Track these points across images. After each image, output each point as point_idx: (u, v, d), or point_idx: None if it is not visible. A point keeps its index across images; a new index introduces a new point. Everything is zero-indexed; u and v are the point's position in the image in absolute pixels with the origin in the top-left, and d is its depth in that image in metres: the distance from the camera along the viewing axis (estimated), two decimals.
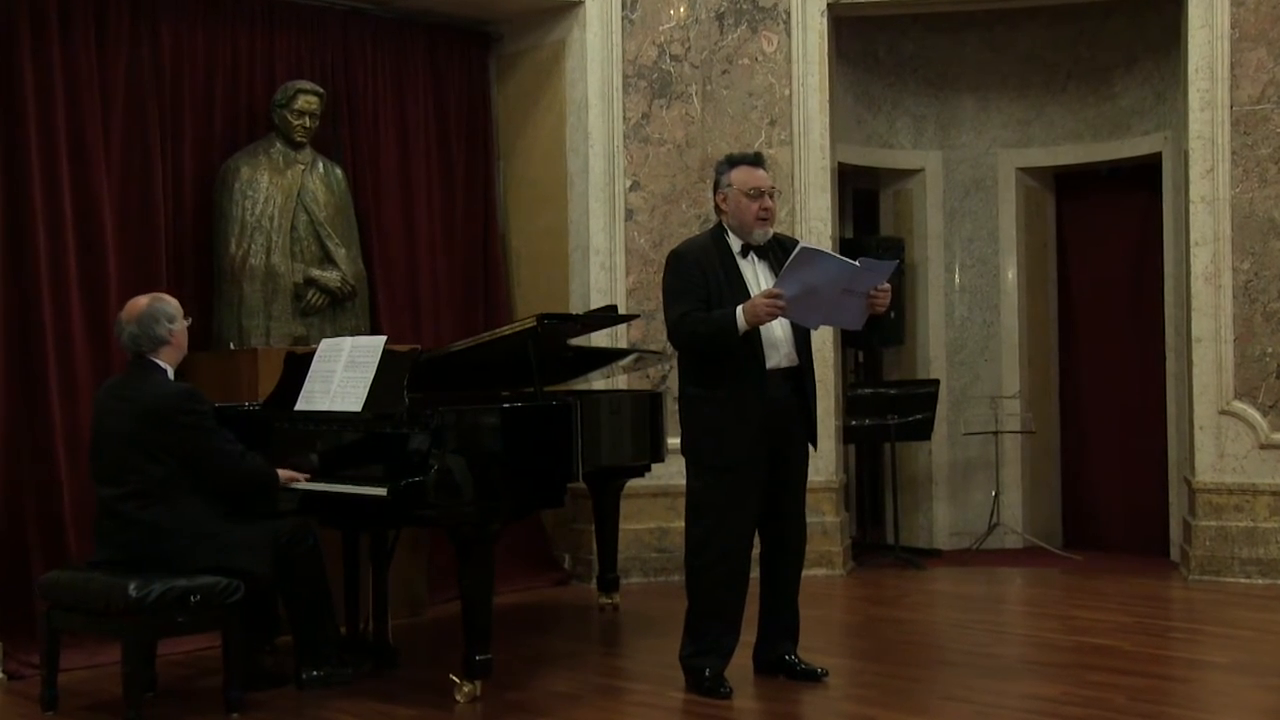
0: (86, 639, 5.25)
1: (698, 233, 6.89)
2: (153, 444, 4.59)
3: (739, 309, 4.60)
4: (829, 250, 4.61)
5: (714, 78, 7.18)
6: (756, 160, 4.88)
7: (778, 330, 4.75)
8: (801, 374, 4.87)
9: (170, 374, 4.78)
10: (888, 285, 4.68)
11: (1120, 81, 7.84)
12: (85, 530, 5.49)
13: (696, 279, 4.73)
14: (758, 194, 4.77)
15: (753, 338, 4.68)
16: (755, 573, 4.97)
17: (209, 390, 5.46)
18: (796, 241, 4.99)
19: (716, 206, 4.87)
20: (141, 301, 4.77)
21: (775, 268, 4.77)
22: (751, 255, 4.82)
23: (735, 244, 4.83)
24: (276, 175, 6.37)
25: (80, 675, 5.23)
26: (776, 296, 4.53)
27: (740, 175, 4.80)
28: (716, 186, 4.86)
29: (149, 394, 4.65)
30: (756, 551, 4.95)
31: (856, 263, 4.58)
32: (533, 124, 7.56)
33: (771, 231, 4.87)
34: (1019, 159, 8.13)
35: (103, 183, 5.95)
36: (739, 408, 4.71)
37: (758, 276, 4.80)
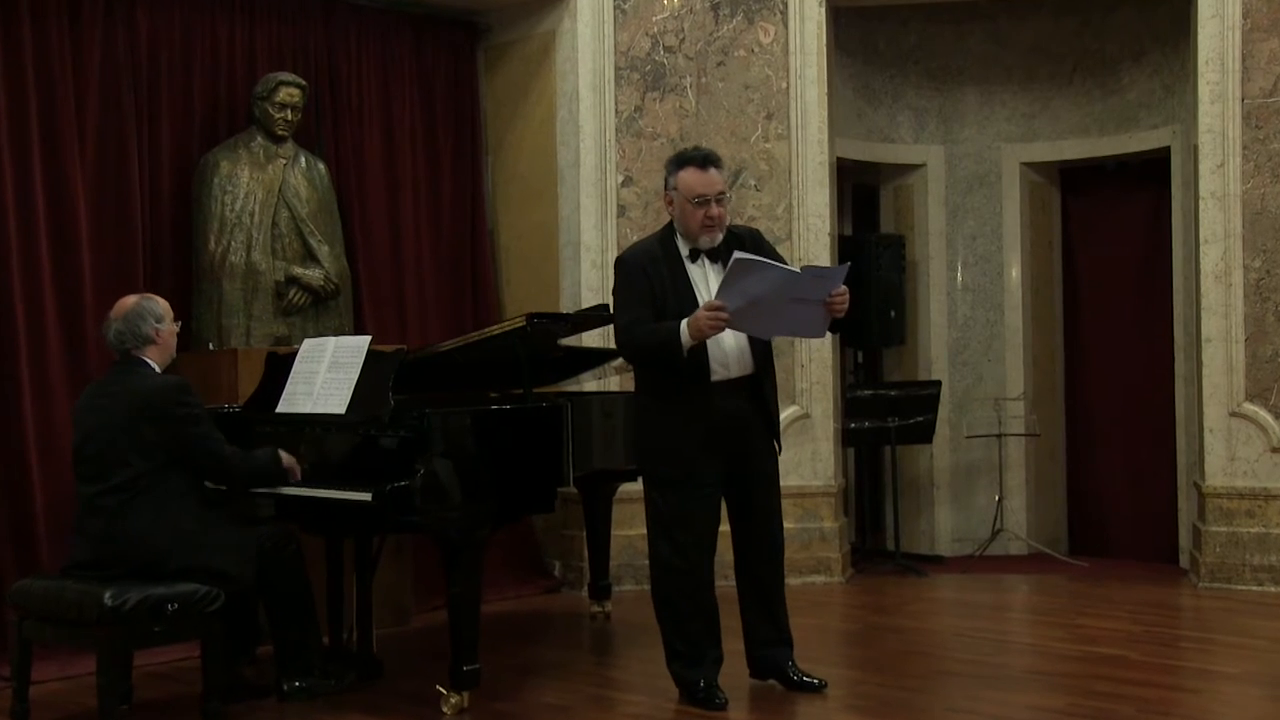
0: (59, 650, 5.23)
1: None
2: (143, 437, 4.59)
3: (684, 324, 4.56)
4: (766, 259, 4.54)
5: (709, 70, 7.18)
6: (705, 161, 4.72)
7: (728, 340, 4.69)
8: (758, 381, 4.83)
9: (157, 371, 4.79)
10: (845, 289, 4.58)
11: (1128, 74, 7.84)
12: (58, 537, 5.48)
13: (641, 286, 4.70)
14: (703, 201, 4.68)
15: (697, 350, 4.63)
16: (730, 581, 4.97)
17: None
18: (757, 233, 4.97)
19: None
20: (130, 300, 4.83)
21: None
22: (702, 259, 4.77)
23: (684, 248, 4.78)
24: (257, 170, 6.36)
25: (53, 687, 5.22)
26: (719, 309, 4.47)
27: (686, 178, 4.70)
28: (665, 186, 4.81)
29: (141, 387, 4.66)
30: (730, 559, 4.96)
31: (798, 269, 4.53)
32: (522, 117, 7.55)
33: (721, 236, 4.77)
34: (1023, 154, 8.14)
35: (77, 178, 5.93)
36: (686, 419, 4.70)
37: (708, 280, 4.75)
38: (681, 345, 4.57)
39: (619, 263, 4.84)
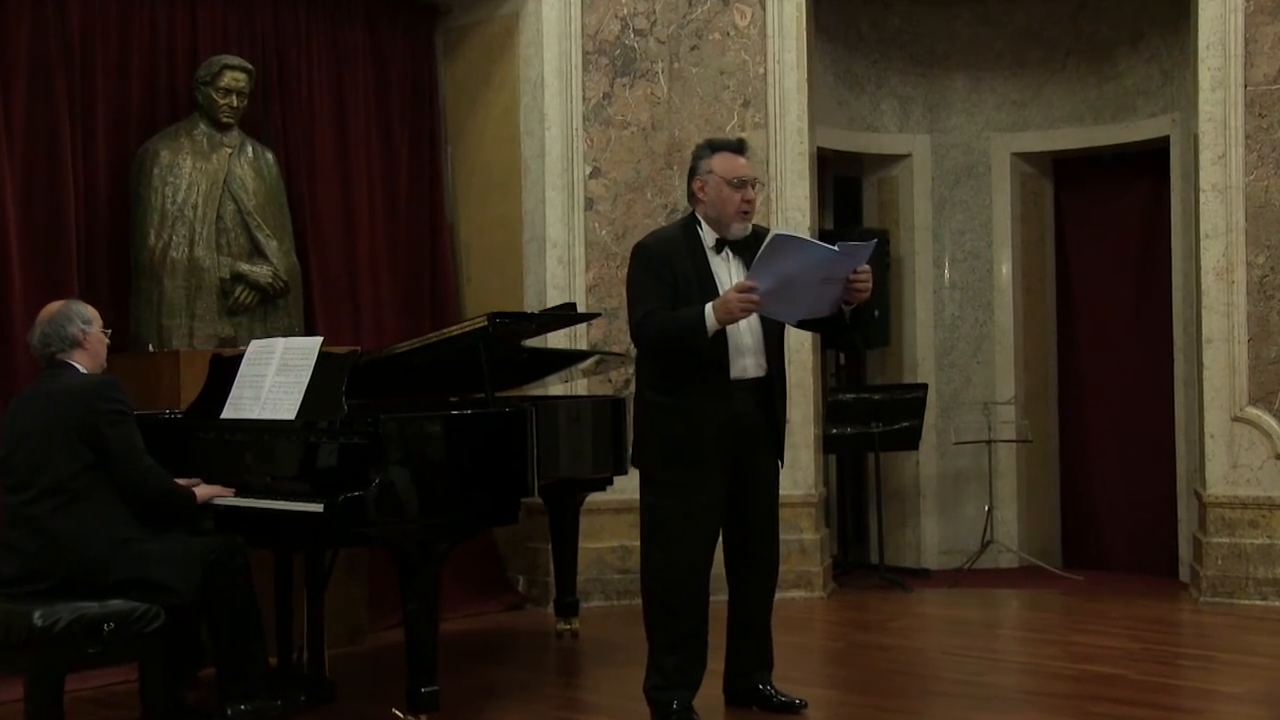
0: None
1: (664, 224, 6.93)
2: (70, 436, 4.56)
3: (709, 306, 4.59)
4: (805, 235, 4.59)
5: (682, 54, 7.18)
6: (739, 147, 4.87)
7: (746, 336, 4.74)
8: (770, 384, 4.86)
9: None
10: (868, 267, 4.68)
11: (1124, 59, 7.88)
12: None
13: (663, 274, 4.72)
14: (741, 184, 4.77)
15: (718, 343, 4.67)
16: (721, 596, 4.97)
17: None
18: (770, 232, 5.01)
19: (692, 194, 4.85)
20: (56, 304, 4.84)
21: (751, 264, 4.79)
22: (726, 251, 4.82)
23: (709, 238, 4.81)
24: (200, 159, 6.32)
25: None
26: (750, 290, 4.51)
27: (723, 162, 4.78)
28: (694, 173, 4.85)
29: (66, 384, 4.66)
30: (720, 570, 4.95)
31: (835, 248, 4.57)
32: (483, 104, 7.53)
33: (750, 227, 4.85)
34: (1014, 143, 8.17)
35: (4, 173, 5.86)
36: (698, 418, 4.71)
37: (731, 275, 4.78)
38: (706, 329, 4.59)
39: (640, 249, 4.84)
